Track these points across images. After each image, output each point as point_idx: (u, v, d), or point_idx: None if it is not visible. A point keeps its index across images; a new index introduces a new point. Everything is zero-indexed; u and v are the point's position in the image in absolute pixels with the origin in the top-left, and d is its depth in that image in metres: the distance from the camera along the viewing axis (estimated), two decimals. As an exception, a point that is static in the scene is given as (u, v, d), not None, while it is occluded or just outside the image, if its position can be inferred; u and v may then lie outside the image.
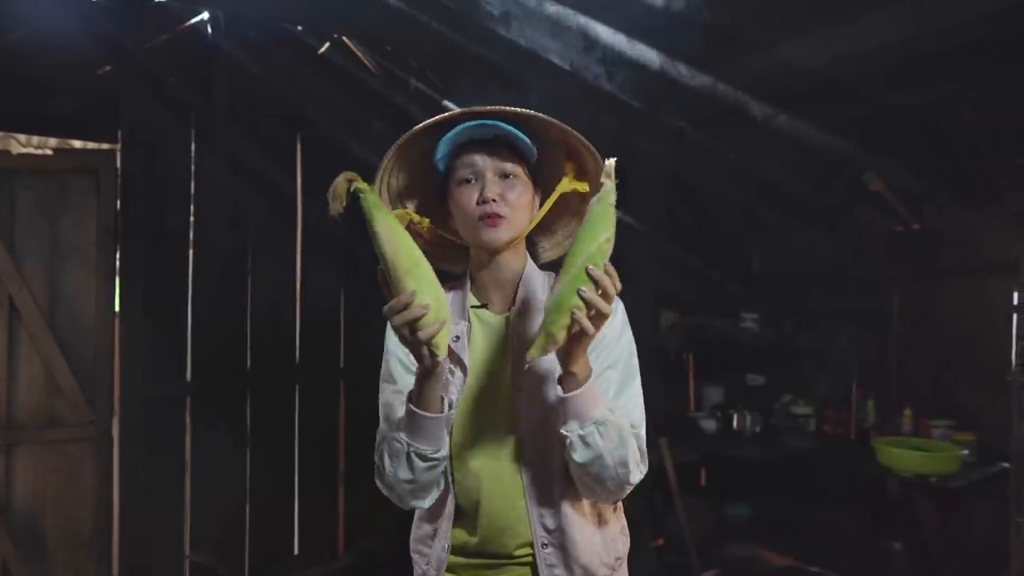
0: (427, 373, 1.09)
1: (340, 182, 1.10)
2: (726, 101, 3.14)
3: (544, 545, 1.21)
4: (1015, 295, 2.92)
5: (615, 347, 1.22)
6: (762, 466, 3.52)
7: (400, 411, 1.19)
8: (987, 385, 3.07)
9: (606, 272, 1.03)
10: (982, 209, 3.24)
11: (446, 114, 1.16)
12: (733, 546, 3.69)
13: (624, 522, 1.33)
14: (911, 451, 2.99)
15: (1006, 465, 2.90)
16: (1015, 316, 2.92)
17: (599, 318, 1.04)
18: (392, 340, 1.27)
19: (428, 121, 1.16)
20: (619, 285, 1.04)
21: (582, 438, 1.10)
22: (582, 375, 1.10)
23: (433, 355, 1.06)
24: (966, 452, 3.01)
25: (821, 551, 3.38)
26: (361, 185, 1.09)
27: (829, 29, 2.90)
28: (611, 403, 1.19)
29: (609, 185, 1.06)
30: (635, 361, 1.25)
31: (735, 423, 3.69)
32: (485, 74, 3.30)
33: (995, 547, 2.89)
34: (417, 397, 1.12)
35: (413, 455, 1.14)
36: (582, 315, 1.02)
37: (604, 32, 2.88)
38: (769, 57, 3.07)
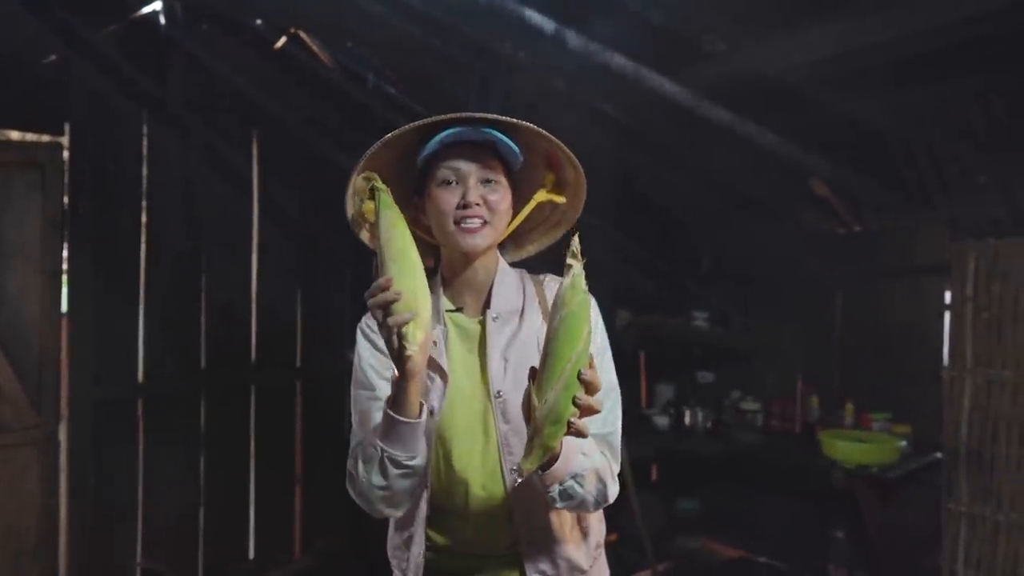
0: (401, 371, 1.05)
1: (359, 180, 1.10)
2: (680, 103, 3.22)
3: (529, 543, 1.22)
4: (947, 294, 3.11)
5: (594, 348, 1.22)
6: (713, 461, 3.64)
7: (377, 417, 1.16)
8: (922, 379, 3.25)
9: (589, 365, 1.01)
10: (917, 214, 3.43)
11: (440, 117, 1.15)
12: (684, 539, 3.79)
13: (601, 511, 1.34)
14: (854, 443, 3.14)
15: (939, 455, 3.08)
16: (947, 315, 3.11)
17: (590, 414, 1.02)
18: (364, 348, 1.24)
19: (421, 122, 1.15)
20: (599, 383, 1.02)
21: (563, 492, 1.12)
22: (559, 449, 1.07)
23: (403, 347, 1.01)
24: (904, 443, 3.18)
25: (769, 542, 3.51)
26: (379, 184, 1.11)
27: (778, 40, 3.02)
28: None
29: (578, 268, 1.01)
30: (610, 357, 1.25)
31: (687, 419, 3.80)
32: (444, 70, 3.30)
33: (929, 532, 3.06)
34: (394, 400, 1.08)
35: (387, 460, 1.10)
36: (578, 421, 1.00)
37: (563, 31, 2.91)
38: (723, 63, 3.17)
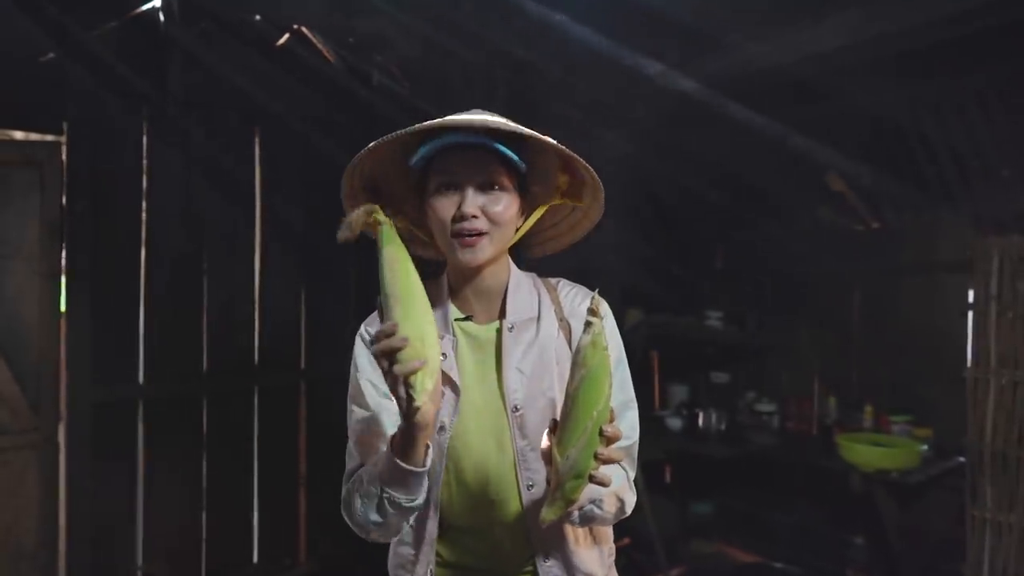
0: (409, 421, 0.98)
1: (359, 214, 1.04)
2: (692, 99, 3.15)
3: (545, 556, 1.18)
4: (970, 293, 3.00)
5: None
6: (727, 463, 3.55)
7: (372, 443, 1.13)
8: (944, 381, 3.15)
9: (610, 419, 1.00)
10: (938, 209, 3.33)
11: (435, 122, 1.08)
12: (698, 543, 3.72)
13: None
14: (873, 447, 3.06)
15: (962, 459, 2.98)
16: (970, 313, 3.00)
17: (611, 463, 1.02)
18: (363, 358, 1.18)
19: (413, 128, 1.09)
20: (621, 433, 1.01)
21: (583, 516, 1.12)
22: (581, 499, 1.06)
23: (410, 397, 0.95)
24: (925, 447, 3.08)
25: (785, 547, 3.42)
26: (381, 217, 1.05)
27: (793, 30, 2.93)
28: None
29: (598, 325, 1.00)
30: (625, 367, 1.22)
31: (701, 421, 3.71)
32: (449, 66, 3.24)
33: (953, 539, 2.96)
34: (399, 448, 1.02)
35: (387, 502, 1.06)
36: (599, 472, 0.99)
37: (571, 27, 2.85)
38: (735, 56, 3.09)
